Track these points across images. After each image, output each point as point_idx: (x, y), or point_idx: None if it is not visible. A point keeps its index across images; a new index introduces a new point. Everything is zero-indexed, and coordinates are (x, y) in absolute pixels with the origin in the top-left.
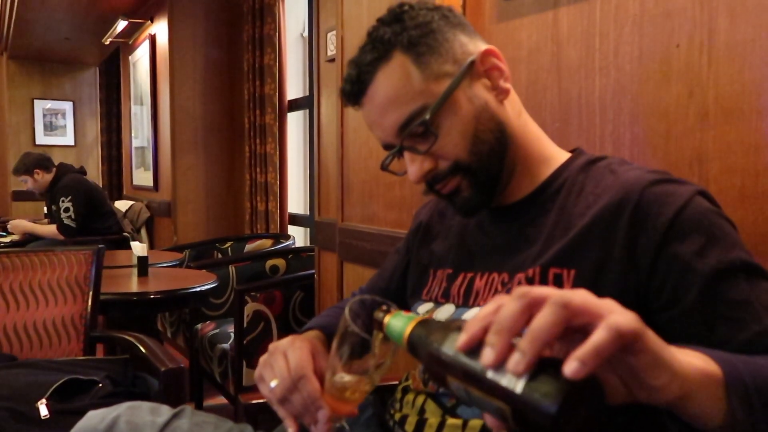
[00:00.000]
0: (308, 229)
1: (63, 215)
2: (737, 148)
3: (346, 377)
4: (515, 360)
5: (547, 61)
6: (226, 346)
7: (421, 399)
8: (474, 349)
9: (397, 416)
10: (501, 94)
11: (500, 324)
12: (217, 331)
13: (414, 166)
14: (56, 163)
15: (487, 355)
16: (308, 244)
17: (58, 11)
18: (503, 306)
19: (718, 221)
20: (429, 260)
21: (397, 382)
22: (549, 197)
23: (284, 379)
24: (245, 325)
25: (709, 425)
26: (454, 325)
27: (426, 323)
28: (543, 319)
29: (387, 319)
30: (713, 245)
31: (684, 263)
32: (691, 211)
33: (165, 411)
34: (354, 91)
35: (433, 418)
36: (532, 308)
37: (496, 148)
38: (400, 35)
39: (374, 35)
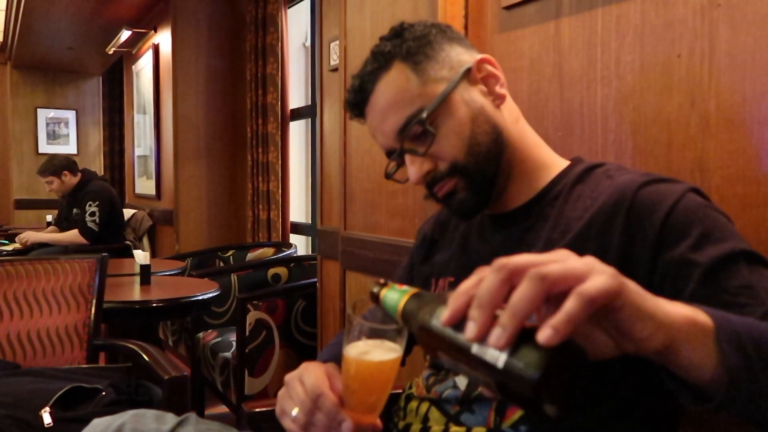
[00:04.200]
0: (310, 237)
1: (88, 218)
2: (739, 157)
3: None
4: (496, 335)
5: (549, 71)
6: (228, 354)
7: (424, 407)
8: (459, 323)
9: (401, 424)
10: (497, 99)
11: (481, 298)
12: (219, 339)
13: (414, 167)
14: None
15: (470, 329)
16: (310, 253)
17: (62, 21)
18: (484, 279)
19: (712, 214)
20: (431, 271)
21: (400, 391)
22: (548, 203)
23: (303, 402)
24: (247, 333)
25: (703, 376)
26: (443, 298)
27: (419, 296)
28: (522, 293)
29: (383, 292)
30: (709, 237)
31: (682, 258)
32: (684, 207)
33: (170, 419)
34: (357, 100)
35: (436, 426)
36: (512, 279)
37: (493, 151)
38: (399, 47)
39: (376, 50)
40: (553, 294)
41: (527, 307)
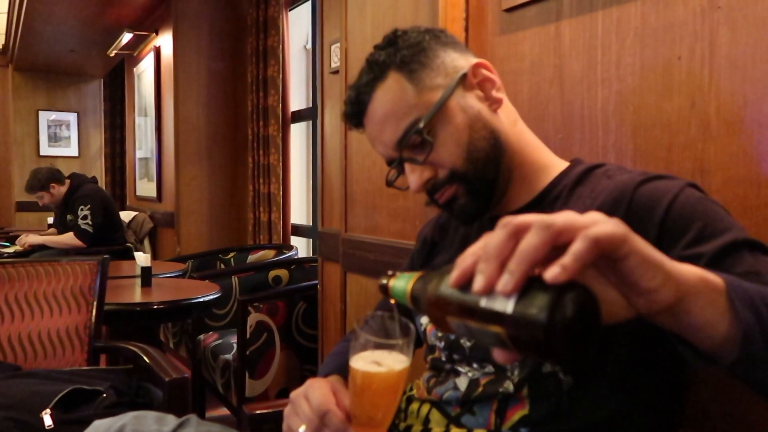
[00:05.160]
0: (311, 239)
1: (81, 222)
2: (739, 160)
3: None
4: (504, 281)
5: (550, 73)
6: (229, 356)
7: (425, 408)
8: (467, 283)
9: (402, 426)
10: (494, 104)
11: (488, 253)
12: (220, 341)
13: (414, 175)
14: (65, 174)
15: (478, 281)
16: (311, 255)
17: (64, 24)
18: (490, 238)
19: (711, 207)
20: None
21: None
22: (548, 204)
23: (310, 420)
24: (248, 335)
25: (715, 334)
26: (448, 269)
27: (425, 276)
28: (528, 240)
29: (391, 282)
30: (711, 229)
31: (685, 252)
32: (683, 202)
33: (170, 420)
34: (354, 112)
35: (437, 428)
36: (517, 235)
37: (491, 156)
38: (393, 56)
39: (371, 60)
40: (559, 244)
41: (534, 253)
